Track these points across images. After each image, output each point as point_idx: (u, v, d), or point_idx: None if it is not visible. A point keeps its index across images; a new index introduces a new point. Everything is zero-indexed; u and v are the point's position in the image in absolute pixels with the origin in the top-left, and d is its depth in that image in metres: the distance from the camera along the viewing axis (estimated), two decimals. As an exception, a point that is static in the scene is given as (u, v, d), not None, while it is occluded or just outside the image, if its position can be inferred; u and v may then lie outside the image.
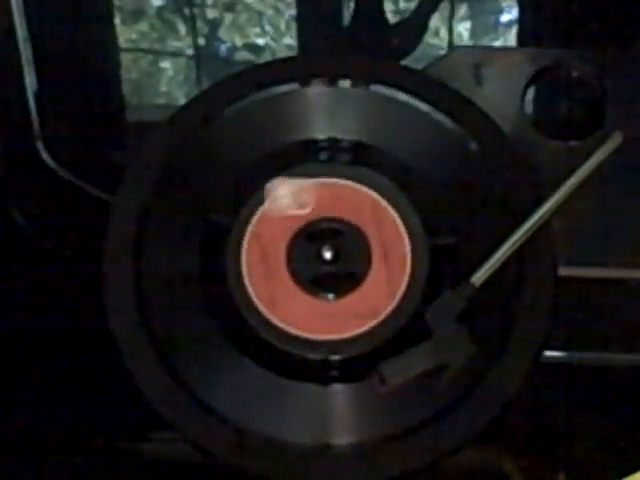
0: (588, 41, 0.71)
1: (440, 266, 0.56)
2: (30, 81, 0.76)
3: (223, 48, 1.64)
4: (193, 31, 1.58)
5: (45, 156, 0.78)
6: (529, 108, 0.66)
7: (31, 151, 0.77)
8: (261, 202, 0.56)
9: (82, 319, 0.70)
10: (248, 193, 0.56)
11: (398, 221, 0.56)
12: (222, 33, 1.61)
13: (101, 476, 0.63)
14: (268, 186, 0.55)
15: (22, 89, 0.75)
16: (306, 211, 0.55)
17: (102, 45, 0.86)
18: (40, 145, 0.77)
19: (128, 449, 0.68)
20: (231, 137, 0.59)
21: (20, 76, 0.75)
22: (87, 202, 0.77)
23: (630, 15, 0.71)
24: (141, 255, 0.56)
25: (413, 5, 0.81)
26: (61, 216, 0.77)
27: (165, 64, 1.67)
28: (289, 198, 0.55)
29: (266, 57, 1.60)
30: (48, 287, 0.76)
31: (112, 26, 0.89)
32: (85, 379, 0.71)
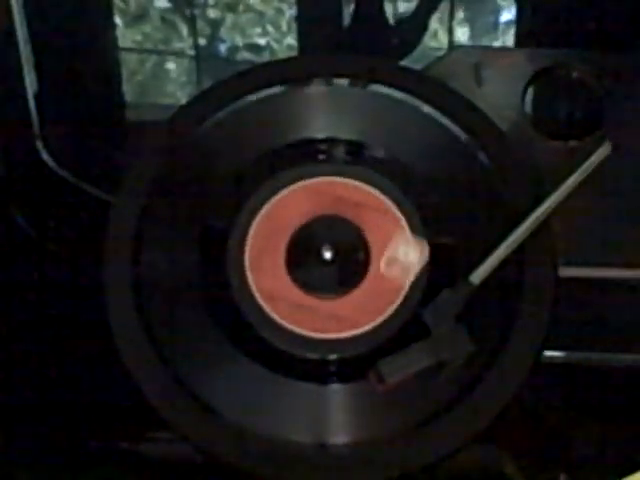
0: (587, 41, 0.71)
1: (440, 265, 0.56)
2: (30, 81, 0.76)
3: (224, 48, 1.64)
4: (194, 31, 1.59)
5: (45, 156, 0.78)
6: (529, 108, 0.66)
7: (31, 151, 0.77)
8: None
9: (82, 319, 0.70)
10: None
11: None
12: (223, 33, 1.61)
13: (101, 476, 0.63)
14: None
15: (22, 89, 0.76)
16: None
17: (102, 45, 0.86)
18: (40, 145, 0.77)
19: (128, 449, 0.68)
20: (231, 137, 0.59)
21: (20, 76, 0.75)
22: (87, 202, 0.77)
23: (629, 16, 0.71)
24: (141, 255, 0.56)
25: (412, 6, 0.82)
26: (61, 216, 0.77)
27: (170, 65, 1.67)
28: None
29: (267, 57, 1.60)
30: (48, 287, 0.76)
31: (112, 26, 0.89)
32: (85, 379, 0.71)
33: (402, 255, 0.54)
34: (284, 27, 1.58)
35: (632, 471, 0.52)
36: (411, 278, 0.54)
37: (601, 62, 0.65)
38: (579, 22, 0.72)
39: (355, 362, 0.54)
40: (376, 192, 0.56)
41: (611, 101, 0.64)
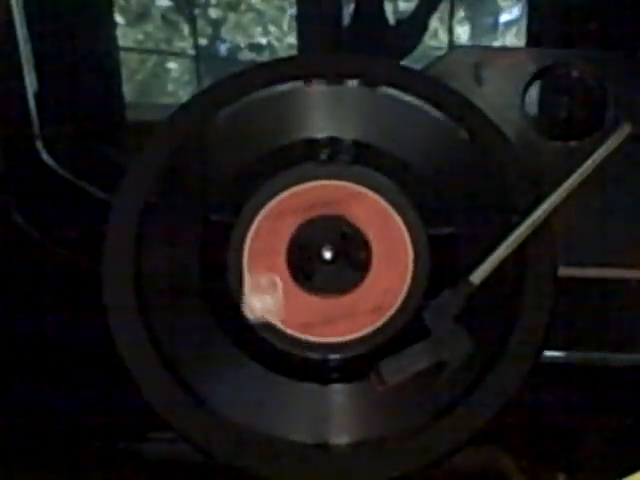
0: (589, 41, 0.71)
1: (440, 264, 0.56)
2: (30, 81, 0.76)
3: (226, 47, 1.64)
4: (194, 31, 1.59)
5: (45, 156, 0.78)
6: (529, 108, 0.66)
7: (31, 151, 0.77)
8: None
9: (82, 319, 0.70)
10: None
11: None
12: (225, 33, 1.61)
13: (101, 476, 0.63)
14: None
15: (22, 89, 0.75)
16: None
17: (102, 45, 0.86)
18: (40, 145, 0.77)
19: (128, 449, 0.68)
20: (231, 137, 0.59)
21: (20, 76, 0.75)
22: (87, 202, 0.77)
23: (630, 16, 0.71)
24: (141, 255, 0.56)
25: (412, 6, 0.82)
26: (61, 216, 0.77)
27: (171, 64, 1.68)
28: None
29: (268, 56, 1.60)
30: (48, 287, 0.76)
31: (113, 26, 0.89)
32: (85, 379, 0.71)
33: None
34: (285, 26, 1.59)
35: (632, 471, 0.52)
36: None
37: (602, 62, 0.65)
38: (580, 22, 0.72)
39: (356, 362, 0.54)
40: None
41: (612, 101, 0.64)
